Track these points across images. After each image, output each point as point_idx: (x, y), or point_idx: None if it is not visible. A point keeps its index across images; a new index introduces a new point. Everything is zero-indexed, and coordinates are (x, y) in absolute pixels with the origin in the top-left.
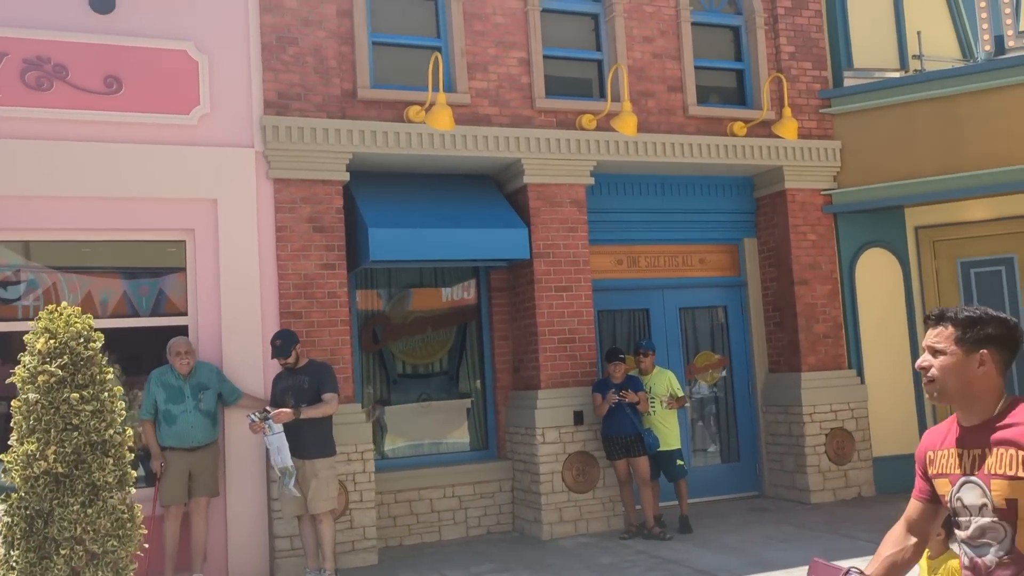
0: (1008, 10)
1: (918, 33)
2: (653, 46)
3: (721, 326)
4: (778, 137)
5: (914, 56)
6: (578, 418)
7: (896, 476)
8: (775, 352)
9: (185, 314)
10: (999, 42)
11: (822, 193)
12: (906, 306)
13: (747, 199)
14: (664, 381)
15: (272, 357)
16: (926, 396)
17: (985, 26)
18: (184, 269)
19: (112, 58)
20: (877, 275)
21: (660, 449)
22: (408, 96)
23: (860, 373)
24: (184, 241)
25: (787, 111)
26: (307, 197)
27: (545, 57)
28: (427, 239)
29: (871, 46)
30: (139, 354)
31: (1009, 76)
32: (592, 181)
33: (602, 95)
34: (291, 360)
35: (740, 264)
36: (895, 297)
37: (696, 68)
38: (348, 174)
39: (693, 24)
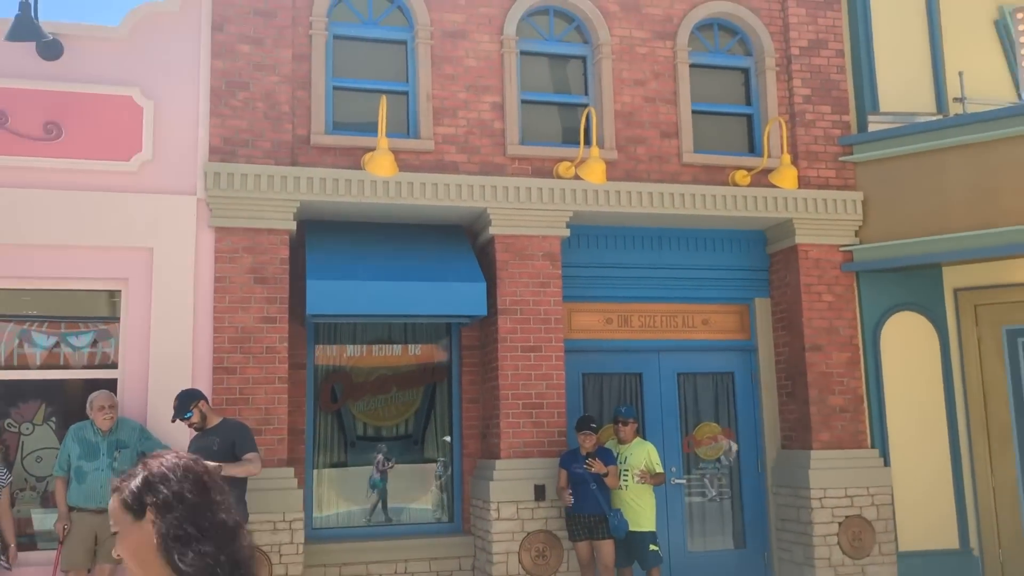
0: None
1: (960, 73)
2: (645, 89)
3: (727, 395)
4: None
5: (955, 99)
6: (539, 492)
7: (927, 575)
8: (787, 426)
9: (115, 367)
10: None
11: (841, 249)
12: (943, 378)
13: (759, 255)
14: (643, 453)
15: (172, 419)
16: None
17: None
18: (118, 320)
19: (54, 104)
20: (908, 342)
21: (632, 530)
22: (367, 142)
23: (884, 454)
24: (120, 291)
25: (786, 158)
26: (250, 247)
27: (525, 102)
28: (372, 292)
29: (902, 87)
30: (76, 407)
31: None
32: (567, 233)
33: (588, 142)
34: (195, 420)
35: (751, 326)
36: (930, 367)
37: (696, 113)
38: (294, 223)
39: (695, 66)
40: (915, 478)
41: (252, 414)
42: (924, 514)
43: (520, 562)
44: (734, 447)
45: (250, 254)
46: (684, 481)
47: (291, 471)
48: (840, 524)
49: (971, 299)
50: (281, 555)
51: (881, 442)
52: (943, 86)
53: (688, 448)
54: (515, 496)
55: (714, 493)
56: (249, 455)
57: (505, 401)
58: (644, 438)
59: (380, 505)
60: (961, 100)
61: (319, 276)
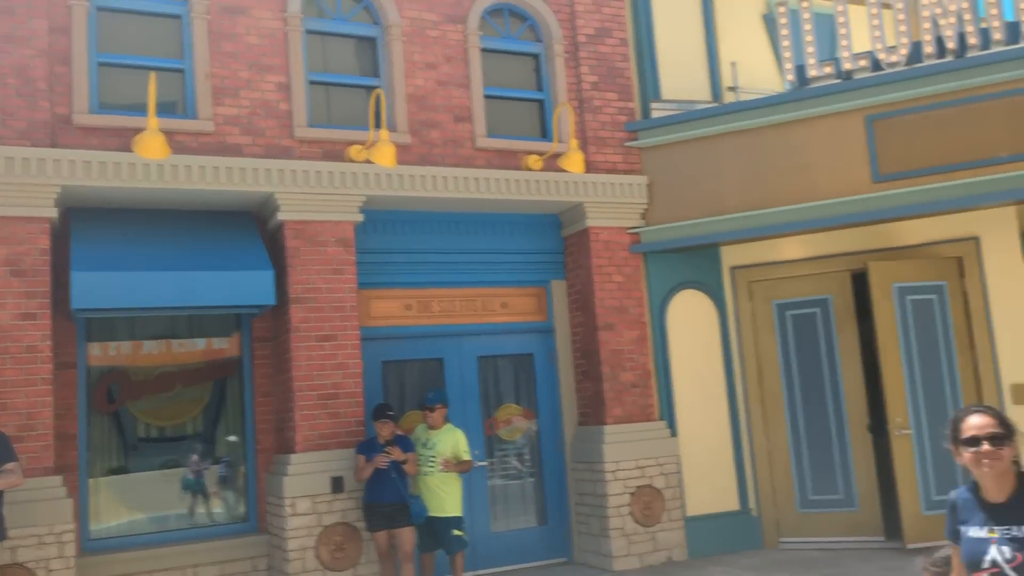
0: (810, 38)
1: (732, 64)
2: (437, 73)
3: (527, 376)
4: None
5: (729, 88)
6: (337, 485)
7: (712, 537)
8: (584, 403)
9: None
10: (801, 72)
11: (629, 231)
12: (723, 351)
13: (555, 238)
14: (451, 441)
15: None
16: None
17: (787, 54)
18: None
19: None
20: (691, 318)
21: (435, 515)
22: (139, 123)
23: (672, 425)
24: None
25: (574, 143)
26: (3, 236)
27: (313, 83)
28: (147, 284)
29: (682, 76)
30: None
31: (811, 107)
32: (361, 218)
33: (378, 125)
34: None
35: (548, 308)
36: (711, 341)
37: (489, 98)
38: (56, 210)
39: (486, 51)
40: (700, 447)
41: (11, 420)
42: (708, 480)
43: (318, 557)
44: (534, 427)
45: (4, 245)
46: (487, 463)
47: (59, 480)
48: (632, 494)
49: (745, 276)
50: (49, 571)
51: (669, 414)
52: (718, 76)
53: (490, 430)
54: (311, 490)
55: (516, 473)
56: (8, 465)
57: (300, 393)
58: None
59: (197, 506)
60: (734, 89)
61: (85, 267)
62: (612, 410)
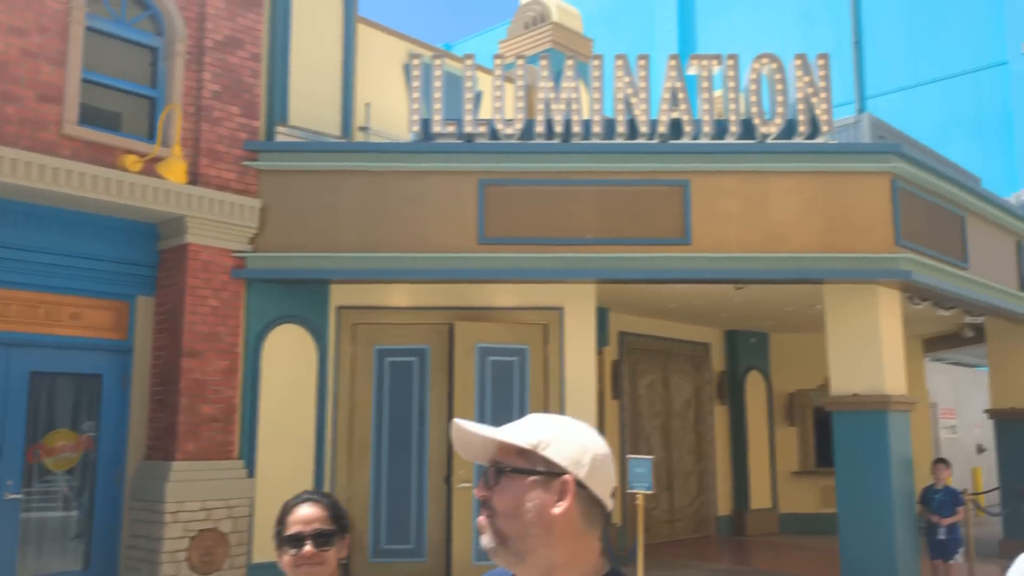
0: (439, 95)
1: (367, 104)
2: (25, 41)
3: (92, 399)
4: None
5: (361, 128)
6: None
7: None
8: (155, 435)
9: None
10: (426, 126)
11: (234, 255)
12: (317, 392)
13: (148, 250)
14: None
15: None
16: None
17: (416, 106)
18: None
19: None
20: (289, 354)
21: None
22: None
23: (251, 465)
24: None
25: (177, 149)
26: None
27: None
28: None
29: (314, 106)
30: None
31: (432, 161)
32: None
33: None
34: None
35: (129, 326)
36: (307, 381)
37: (89, 83)
38: None
39: (93, 30)
40: (278, 489)
41: None
42: None
43: None
44: (92, 457)
45: None
46: (21, 496)
47: None
48: (192, 539)
49: (351, 317)
50: None
51: (249, 453)
52: (351, 113)
53: (33, 458)
54: None
55: (62, 507)
56: None
57: None
58: None
59: None
60: (366, 130)
61: None
62: (185, 445)
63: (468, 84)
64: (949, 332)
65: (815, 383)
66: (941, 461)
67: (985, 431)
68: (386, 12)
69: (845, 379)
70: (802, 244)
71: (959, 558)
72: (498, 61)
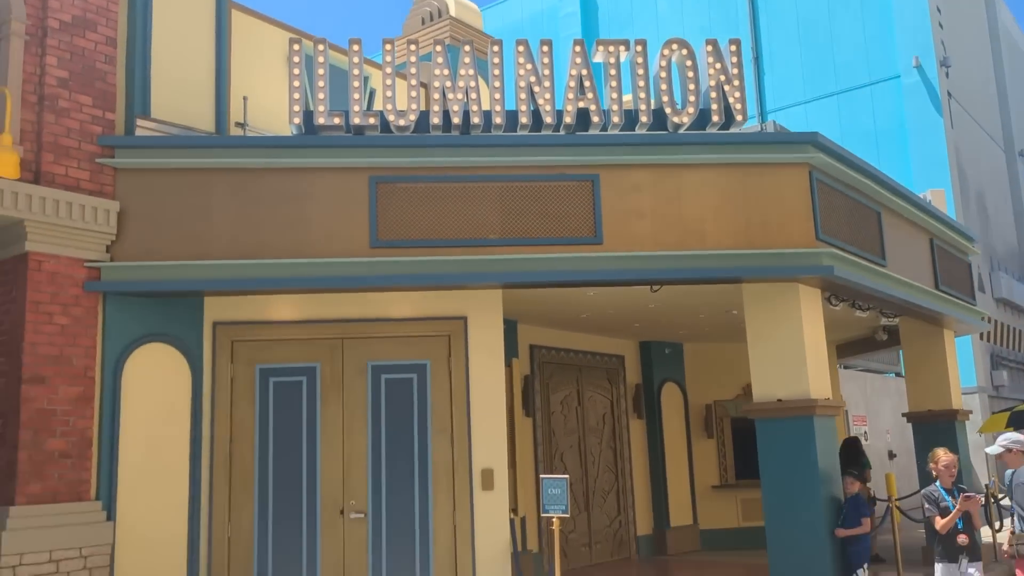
0: (322, 84)
1: (245, 98)
2: None
3: None
4: (23, 181)
5: (238, 123)
6: None
7: None
8: None
9: None
10: (309, 118)
11: (87, 265)
12: (191, 420)
13: None
14: None
15: None
16: None
17: (297, 95)
18: None
19: None
20: (156, 378)
21: None
22: None
23: (110, 506)
24: None
25: (7, 138)
26: None
27: None
28: None
29: (182, 99)
30: None
31: (316, 156)
32: None
33: None
34: None
35: None
36: (179, 407)
37: None
38: None
39: None
40: (145, 533)
41: None
42: (151, 573)
43: None
44: None
45: None
46: None
47: None
48: None
49: (229, 334)
50: None
51: (108, 492)
52: (226, 106)
53: None
54: None
55: None
56: None
57: None
58: None
59: None
60: (243, 126)
61: None
62: (27, 486)
63: (356, 72)
64: (861, 337)
65: (732, 393)
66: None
67: (895, 437)
68: (286, 9)
69: (768, 384)
70: (719, 240)
71: (862, 573)
72: (387, 47)
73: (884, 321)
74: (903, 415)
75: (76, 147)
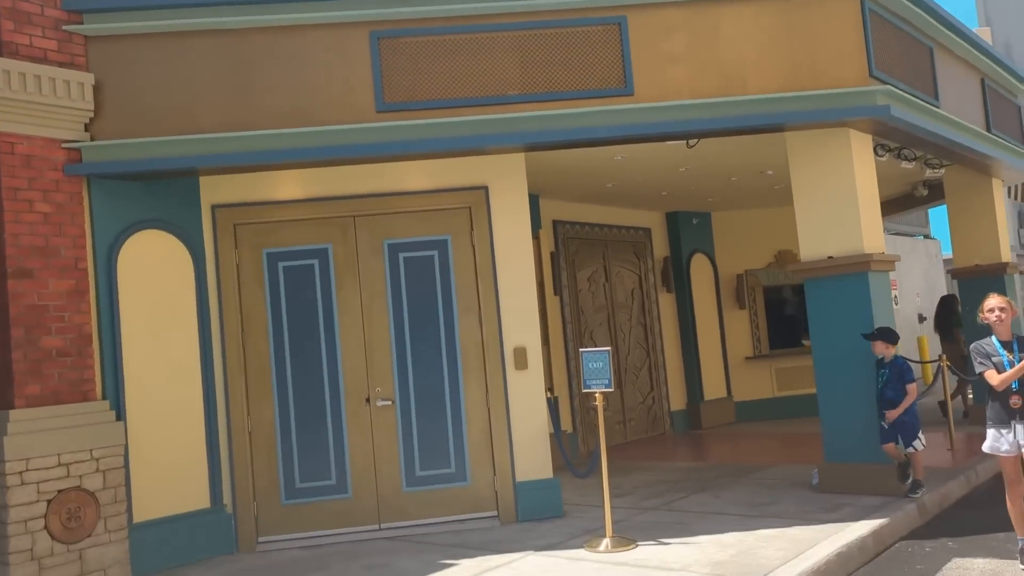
0: None
1: None
2: None
3: None
4: None
5: None
6: None
7: (169, 545)
8: None
9: None
10: None
11: (64, 146)
12: (198, 311)
13: None
14: None
15: None
16: None
17: None
18: None
19: None
20: (156, 267)
21: None
22: None
23: (118, 405)
24: None
25: None
26: None
27: None
28: None
29: None
30: None
31: (309, 11)
32: None
33: None
34: None
35: None
36: (181, 299)
37: None
38: None
39: None
40: (158, 431)
41: None
42: (169, 473)
43: None
44: None
45: None
46: None
47: None
48: (50, 503)
49: (231, 217)
50: None
51: (115, 391)
52: None
53: None
54: None
55: None
56: None
57: None
58: None
59: None
60: None
61: None
62: (25, 388)
63: None
64: (898, 195)
65: (764, 262)
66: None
67: (924, 299)
68: None
69: (817, 241)
70: (762, 85)
71: (919, 444)
72: None
73: (929, 173)
74: (948, 272)
75: (38, 12)
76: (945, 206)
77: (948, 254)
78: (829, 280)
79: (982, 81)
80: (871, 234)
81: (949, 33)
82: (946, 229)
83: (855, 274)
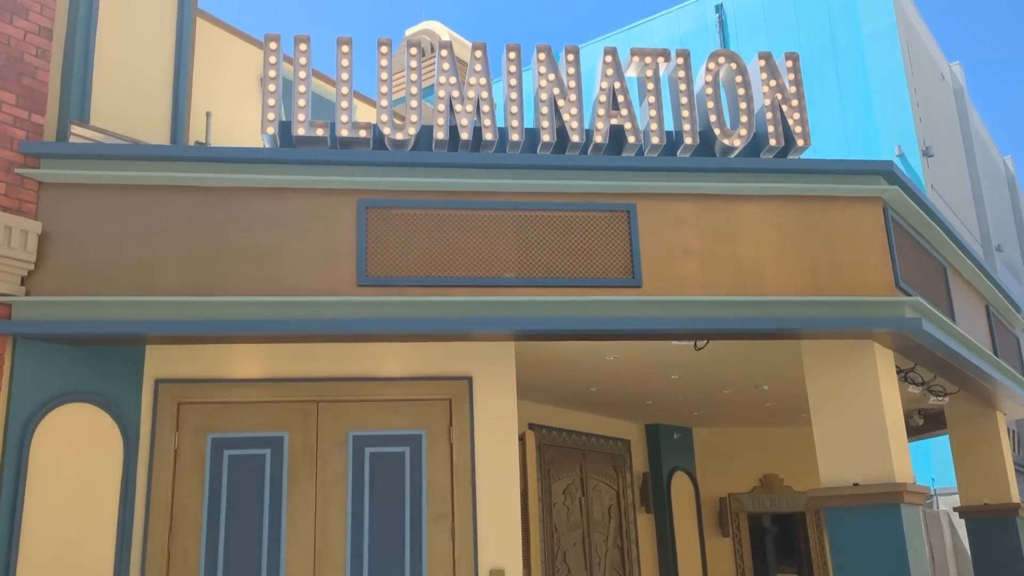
0: (303, 88)
1: (208, 114)
2: None
3: None
4: None
5: (198, 142)
6: None
7: None
8: None
9: None
10: (286, 129)
11: None
12: (122, 500)
13: None
14: None
15: None
16: None
17: (272, 102)
18: None
19: None
20: (78, 448)
21: None
22: None
23: None
24: None
25: None
26: None
27: None
28: None
29: (131, 107)
30: None
31: (293, 173)
32: None
33: None
34: None
35: None
36: (105, 489)
37: None
38: None
39: None
40: None
41: None
42: None
43: None
44: None
45: None
46: None
47: None
48: None
49: (175, 394)
50: None
51: None
52: (184, 121)
53: None
54: None
55: None
56: None
57: None
58: None
59: None
60: (204, 145)
61: None
62: None
63: (344, 76)
64: None
65: (748, 486)
66: None
67: None
68: None
69: (839, 464)
70: (781, 285)
71: None
72: (383, 49)
73: (933, 400)
74: (954, 510)
75: None
76: (931, 440)
77: (933, 489)
78: (856, 511)
79: (987, 308)
80: (900, 460)
81: (960, 254)
82: (928, 465)
83: (886, 506)
